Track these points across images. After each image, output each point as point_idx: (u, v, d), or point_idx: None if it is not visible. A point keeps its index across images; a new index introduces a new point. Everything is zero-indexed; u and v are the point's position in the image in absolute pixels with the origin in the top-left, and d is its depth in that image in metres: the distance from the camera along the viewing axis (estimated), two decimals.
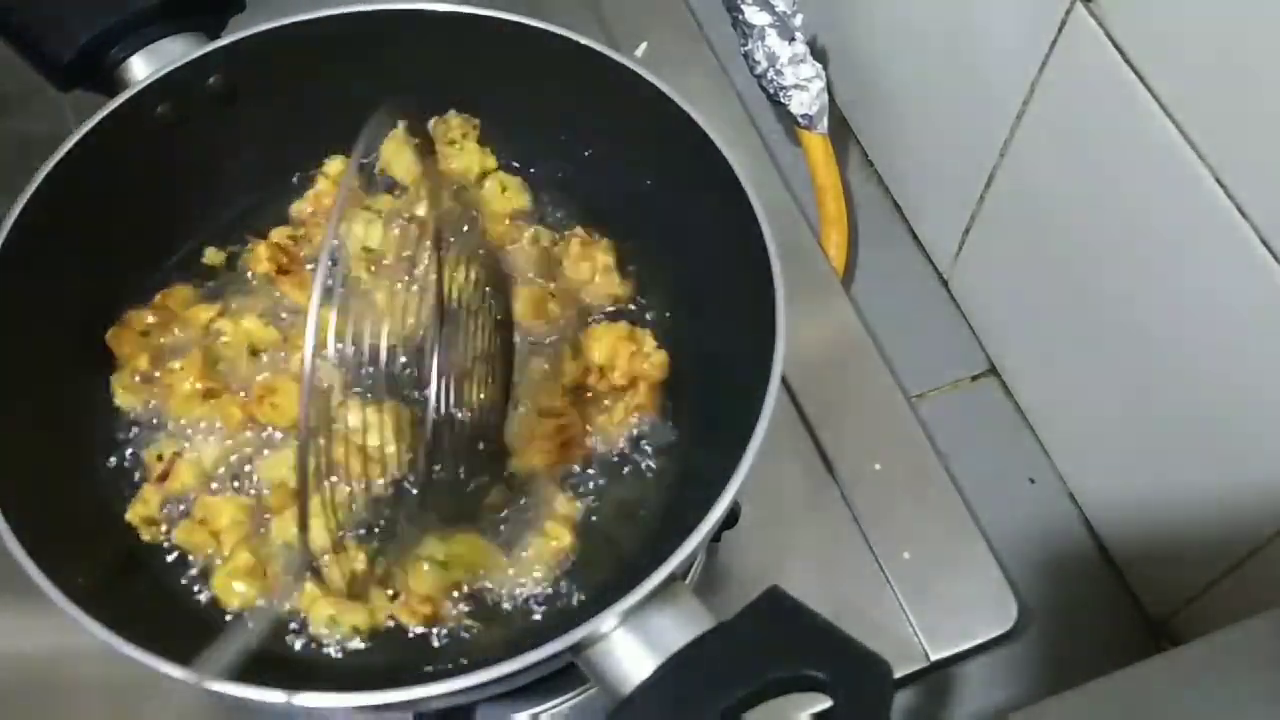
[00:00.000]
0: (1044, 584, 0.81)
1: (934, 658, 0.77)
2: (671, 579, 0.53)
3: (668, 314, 0.72)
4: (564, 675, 0.63)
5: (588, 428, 0.67)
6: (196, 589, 0.63)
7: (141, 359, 0.67)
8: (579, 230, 0.73)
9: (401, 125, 0.73)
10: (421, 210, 0.72)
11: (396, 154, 0.74)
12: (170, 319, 0.69)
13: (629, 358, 0.68)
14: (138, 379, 0.67)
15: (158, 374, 0.67)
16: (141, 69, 0.69)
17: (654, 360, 0.68)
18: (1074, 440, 0.84)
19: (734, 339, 0.64)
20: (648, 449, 0.68)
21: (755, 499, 0.79)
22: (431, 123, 0.75)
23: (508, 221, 0.74)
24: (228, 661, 0.49)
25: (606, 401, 0.68)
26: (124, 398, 0.67)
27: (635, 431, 0.68)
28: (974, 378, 0.91)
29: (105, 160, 0.65)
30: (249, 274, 0.71)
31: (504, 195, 0.74)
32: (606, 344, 0.68)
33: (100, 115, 0.65)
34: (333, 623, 0.61)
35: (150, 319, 0.68)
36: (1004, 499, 0.84)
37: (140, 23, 0.70)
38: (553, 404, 0.67)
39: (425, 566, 0.62)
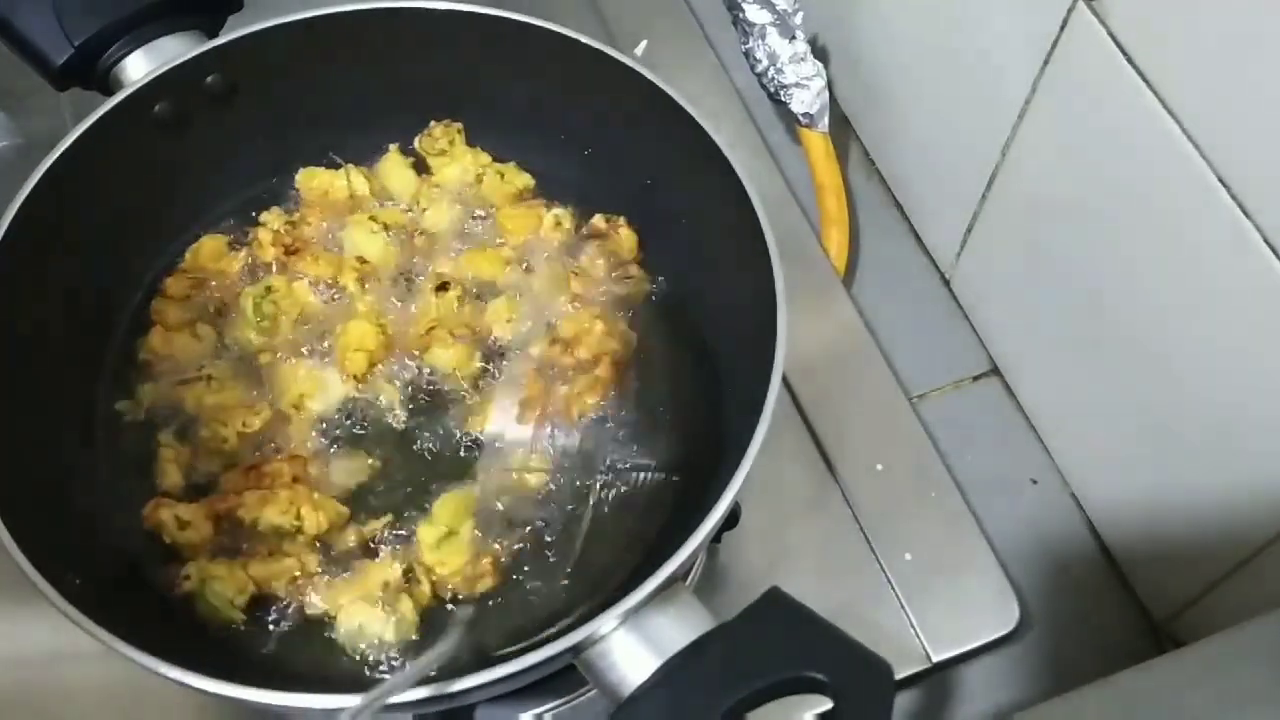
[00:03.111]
0: (1046, 585, 0.81)
1: (935, 659, 0.77)
2: (672, 580, 0.53)
3: (665, 314, 0.72)
4: (566, 676, 0.62)
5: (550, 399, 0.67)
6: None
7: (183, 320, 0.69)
8: (597, 219, 0.73)
9: (394, 148, 0.74)
10: (425, 225, 0.73)
11: (393, 172, 0.75)
12: (204, 277, 0.70)
13: (599, 335, 0.68)
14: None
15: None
16: (139, 68, 0.69)
17: (624, 339, 0.69)
18: (1076, 441, 0.84)
19: (734, 338, 0.63)
20: (646, 450, 0.67)
21: (756, 499, 0.78)
22: (417, 141, 0.75)
23: (521, 205, 0.74)
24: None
25: (571, 374, 0.68)
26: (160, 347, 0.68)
27: (625, 428, 0.68)
28: (976, 378, 0.91)
29: (103, 159, 0.65)
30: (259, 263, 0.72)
31: (504, 181, 0.74)
32: (578, 320, 0.69)
33: (98, 114, 0.65)
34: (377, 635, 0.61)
35: (189, 283, 0.70)
36: (1006, 500, 0.84)
37: (138, 22, 0.70)
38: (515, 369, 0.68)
39: (441, 543, 0.63)
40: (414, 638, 0.62)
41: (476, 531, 0.64)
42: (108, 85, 0.71)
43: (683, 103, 0.65)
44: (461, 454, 0.66)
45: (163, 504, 0.63)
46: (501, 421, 0.66)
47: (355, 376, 0.67)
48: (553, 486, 0.66)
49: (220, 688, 0.51)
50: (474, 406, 0.67)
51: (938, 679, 0.78)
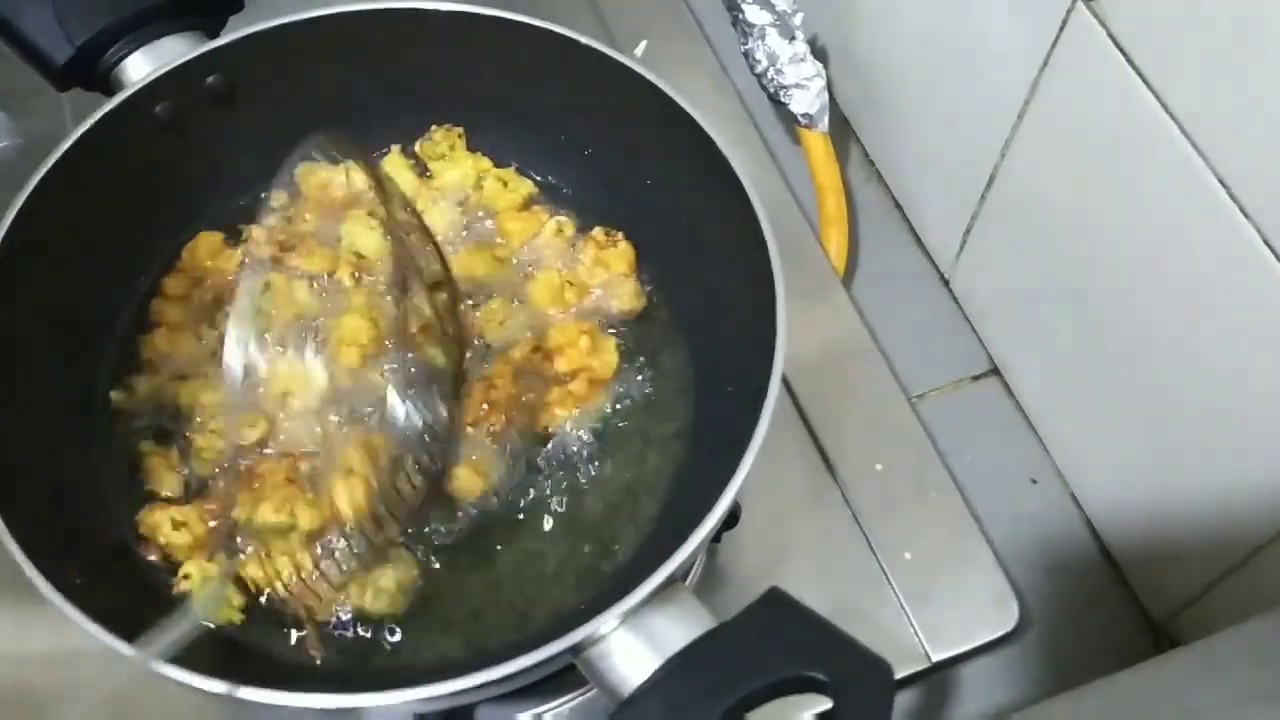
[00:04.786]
0: (1045, 585, 0.81)
1: (935, 659, 0.77)
2: (671, 580, 0.53)
3: (666, 314, 0.72)
4: (565, 675, 0.62)
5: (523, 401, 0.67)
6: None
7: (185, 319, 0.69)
8: (597, 232, 0.73)
9: (396, 149, 0.74)
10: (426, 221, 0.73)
11: (395, 172, 0.75)
12: (202, 274, 0.71)
13: (583, 350, 0.68)
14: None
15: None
16: (140, 69, 0.70)
17: (605, 360, 0.69)
18: (1076, 441, 0.84)
19: (734, 338, 0.63)
20: (643, 448, 0.68)
21: (755, 499, 0.79)
22: (418, 145, 0.75)
23: (524, 212, 0.74)
24: (173, 643, 0.50)
25: (546, 384, 0.68)
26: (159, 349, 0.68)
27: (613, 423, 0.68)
28: (975, 378, 0.91)
29: (103, 159, 0.66)
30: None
31: (507, 189, 0.74)
32: (566, 331, 0.69)
33: (98, 115, 0.65)
34: (378, 591, 0.62)
35: (187, 281, 0.70)
36: (1005, 499, 0.84)
37: (139, 22, 0.70)
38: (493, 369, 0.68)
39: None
40: (414, 573, 0.63)
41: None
42: (109, 86, 0.71)
43: (683, 103, 0.65)
44: None
45: (157, 506, 0.63)
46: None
47: (347, 370, 0.67)
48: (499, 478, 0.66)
49: (220, 687, 0.51)
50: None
51: (937, 678, 0.78)
